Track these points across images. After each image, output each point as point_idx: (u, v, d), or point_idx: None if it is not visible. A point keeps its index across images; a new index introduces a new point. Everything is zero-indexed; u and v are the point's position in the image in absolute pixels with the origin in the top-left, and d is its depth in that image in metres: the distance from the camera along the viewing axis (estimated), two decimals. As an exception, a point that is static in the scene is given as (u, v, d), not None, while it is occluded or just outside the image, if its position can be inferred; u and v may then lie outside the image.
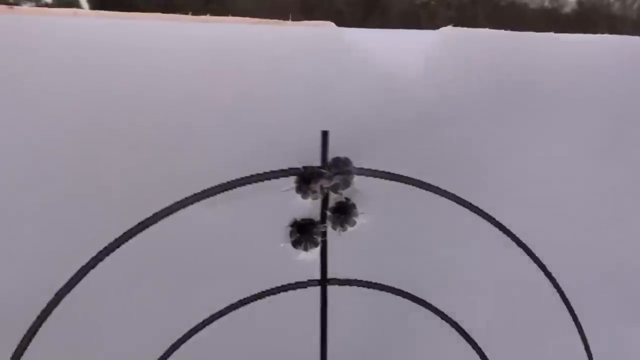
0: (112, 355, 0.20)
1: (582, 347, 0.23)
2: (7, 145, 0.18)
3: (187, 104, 0.19)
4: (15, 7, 0.18)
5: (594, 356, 0.23)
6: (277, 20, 0.20)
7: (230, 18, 0.20)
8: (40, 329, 0.19)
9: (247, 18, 0.20)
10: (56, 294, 0.19)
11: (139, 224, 0.19)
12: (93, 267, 0.19)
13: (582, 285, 0.23)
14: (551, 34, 0.22)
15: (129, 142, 0.19)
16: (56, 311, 0.19)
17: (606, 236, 0.23)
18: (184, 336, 0.20)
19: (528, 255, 0.22)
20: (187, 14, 0.20)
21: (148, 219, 0.19)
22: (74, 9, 0.18)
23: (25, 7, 0.19)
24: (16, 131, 0.18)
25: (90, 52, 0.18)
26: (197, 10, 0.20)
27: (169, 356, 0.20)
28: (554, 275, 0.22)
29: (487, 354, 0.22)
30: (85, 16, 0.18)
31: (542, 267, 0.22)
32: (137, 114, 0.19)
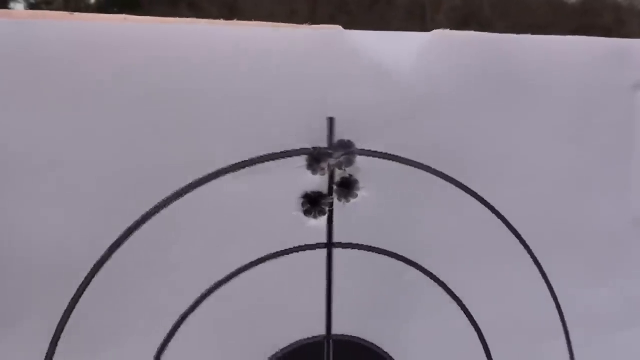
0: (154, 303, 0.23)
1: (553, 306, 0.26)
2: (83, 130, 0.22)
3: (215, 99, 0.23)
4: (75, 13, 0.22)
5: (565, 315, 0.26)
6: (290, 24, 0.24)
7: (249, 22, 0.24)
8: (94, 280, 0.23)
9: (265, 22, 0.24)
10: (108, 250, 0.23)
11: (175, 192, 0.23)
12: (137, 228, 0.23)
13: (554, 252, 0.26)
14: (533, 37, 0.26)
15: (170, 130, 0.23)
16: (107, 265, 0.23)
17: (577, 209, 0.27)
18: (211, 288, 0.24)
19: (506, 226, 0.26)
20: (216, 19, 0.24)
21: (182, 188, 0.23)
22: (124, 15, 0.22)
23: (80, 14, 0.23)
24: (88, 120, 0.22)
25: (132, 54, 0.22)
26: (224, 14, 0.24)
27: (199, 304, 0.24)
28: (529, 244, 0.26)
29: (470, 309, 0.26)
30: (135, 22, 0.22)
31: (518, 235, 0.26)
32: (176, 108, 0.22)
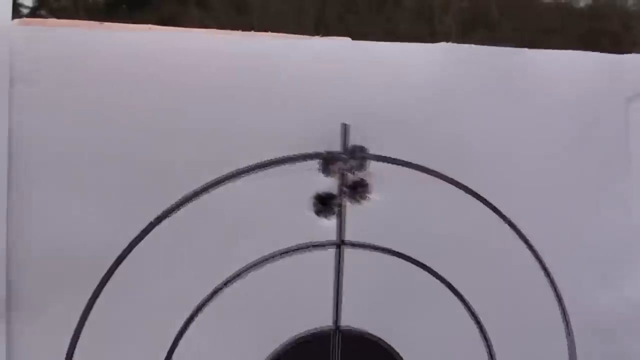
0: (171, 295, 0.25)
1: (558, 308, 0.27)
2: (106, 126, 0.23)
3: (233, 104, 0.24)
4: (105, 23, 0.23)
5: (569, 317, 0.27)
6: (302, 35, 0.25)
7: (264, 34, 0.25)
8: (115, 273, 0.24)
9: (279, 34, 0.25)
10: (129, 245, 0.24)
11: (192, 192, 0.24)
12: (156, 224, 0.24)
13: (559, 256, 0.27)
14: (532, 50, 0.27)
15: (189, 134, 0.24)
16: (127, 259, 0.24)
17: (581, 214, 0.28)
18: (225, 281, 0.25)
19: (513, 230, 0.27)
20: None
21: (200, 188, 0.24)
22: (149, 25, 0.23)
23: (108, 23, 0.24)
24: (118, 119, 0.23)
25: (154, 62, 0.23)
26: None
27: (211, 298, 0.25)
28: (535, 248, 0.27)
29: (475, 309, 0.27)
30: (159, 31, 0.23)
31: (525, 240, 0.27)
32: (196, 113, 0.24)
